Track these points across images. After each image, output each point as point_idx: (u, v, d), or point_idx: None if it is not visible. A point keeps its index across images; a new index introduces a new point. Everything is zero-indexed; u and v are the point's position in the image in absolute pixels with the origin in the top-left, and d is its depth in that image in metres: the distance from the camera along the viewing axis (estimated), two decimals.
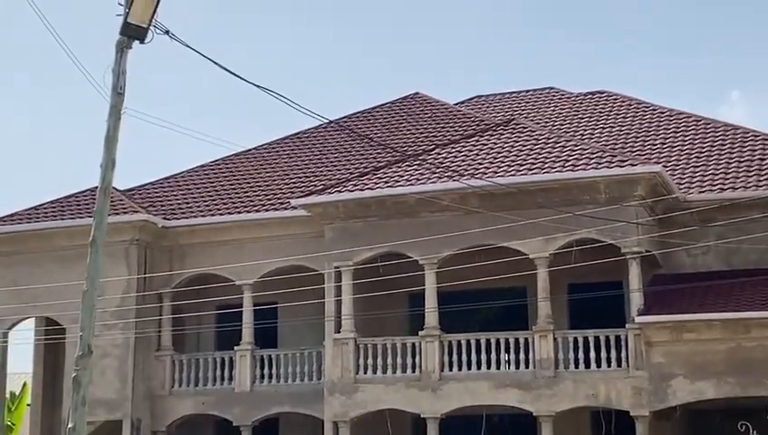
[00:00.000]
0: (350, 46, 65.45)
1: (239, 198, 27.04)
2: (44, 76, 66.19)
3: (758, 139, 25.83)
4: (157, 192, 28.18)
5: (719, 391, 20.91)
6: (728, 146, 25.80)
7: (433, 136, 27.87)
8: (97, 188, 13.33)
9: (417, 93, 31.24)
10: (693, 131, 27.12)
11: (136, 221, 25.41)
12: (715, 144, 26.05)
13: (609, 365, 21.77)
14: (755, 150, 25.25)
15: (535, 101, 31.68)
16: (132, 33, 12.95)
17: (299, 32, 65.65)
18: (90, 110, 60.98)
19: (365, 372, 23.43)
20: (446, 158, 24.26)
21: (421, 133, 28.47)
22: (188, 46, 13.06)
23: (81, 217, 25.05)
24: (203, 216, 26.37)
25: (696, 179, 24.45)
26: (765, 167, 24.28)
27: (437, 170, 23.29)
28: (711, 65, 62.62)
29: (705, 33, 63.33)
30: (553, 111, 30.67)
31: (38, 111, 67.63)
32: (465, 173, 22.54)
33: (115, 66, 13.09)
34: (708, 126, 27.29)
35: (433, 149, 25.21)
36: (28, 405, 31.52)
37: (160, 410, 25.58)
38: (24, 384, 34.44)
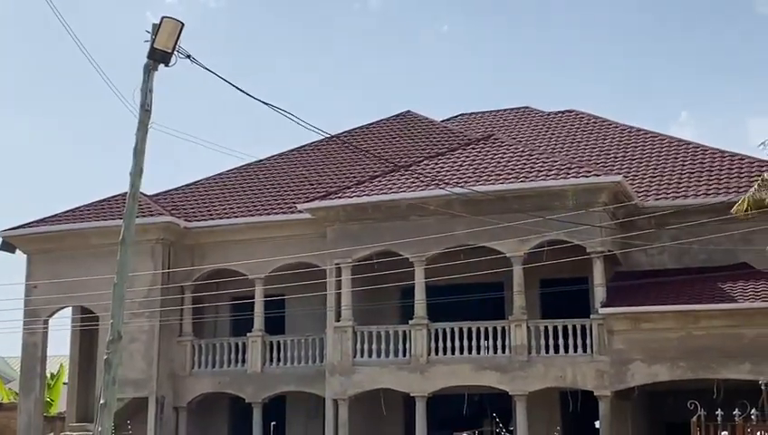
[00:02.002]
0: (349, 70, 65.50)
1: (252, 202, 26.99)
2: (81, 95, 66.11)
3: (707, 152, 25.83)
4: (180, 197, 28.12)
5: (672, 373, 20.89)
6: (681, 159, 25.79)
7: (422, 149, 27.82)
8: (127, 193, 13.34)
9: (408, 111, 31.19)
10: (650, 146, 27.10)
11: (161, 223, 25.36)
12: (669, 157, 26.03)
13: (575, 351, 21.74)
14: (704, 163, 25.25)
15: (512, 119, 31.63)
16: (158, 57, 12.98)
17: (304, 59, 65.64)
18: (121, 124, 60.97)
19: (362, 356, 23.39)
20: (433, 168, 24.23)
21: (412, 146, 28.42)
22: (207, 69, 13.06)
23: (113, 219, 24.96)
24: (220, 218, 26.32)
25: (652, 188, 24.43)
26: (713, 177, 24.29)
27: (426, 179, 23.27)
28: (663, 89, 62.74)
29: (659, 60, 63.44)
30: (528, 127, 30.62)
31: (76, 126, 67.55)
32: (450, 182, 22.52)
33: (143, 86, 13.11)
34: (664, 141, 27.28)
35: (422, 161, 25.17)
36: (64, 384, 31.43)
37: (182, 389, 25.52)
38: (61, 366, 34.37)
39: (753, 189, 19.90)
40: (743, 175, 23.92)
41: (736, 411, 14.36)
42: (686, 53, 63.29)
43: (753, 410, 14.24)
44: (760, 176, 20.95)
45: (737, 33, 61.14)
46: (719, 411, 14.33)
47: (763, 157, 23.52)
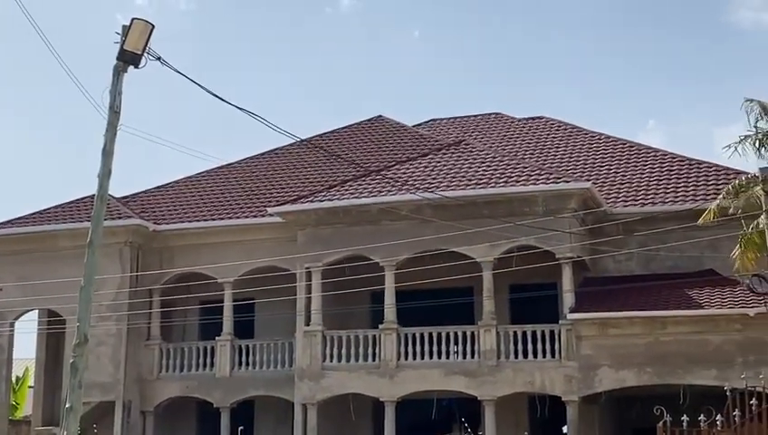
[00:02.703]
0: (320, 73, 65.45)
1: (222, 205, 26.89)
2: (51, 95, 65.56)
3: (674, 160, 26.06)
4: (149, 199, 27.96)
5: (639, 379, 21.05)
6: (649, 166, 25.99)
7: (393, 154, 27.86)
8: (95, 195, 13.25)
9: (380, 116, 31.23)
10: (619, 153, 27.29)
11: (129, 225, 25.21)
12: (638, 164, 26.23)
13: (544, 356, 21.84)
14: (672, 170, 25.47)
15: (483, 125, 31.73)
16: (128, 58, 12.93)
17: (275, 63, 65.53)
18: (92, 126, 60.52)
19: (331, 361, 23.35)
20: (404, 173, 24.27)
21: (383, 151, 28.45)
22: (177, 71, 13.01)
23: (80, 221, 24.75)
24: (189, 221, 26.18)
25: (621, 195, 24.62)
26: (681, 185, 24.52)
27: (397, 184, 23.30)
28: (631, 96, 63.27)
29: (627, 68, 63.94)
30: (499, 133, 30.73)
31: (45, 127, 66.94)
32: (421, 187, 22.56)
33: (112, 88, 13.04)
34: (632, 148, 27.48)
35: (393, 166, 25.21)
36: (30, 387, 31.11)
37: (149, 393, 25.35)
38: (27, 369, 34.03)
39: (718, 199, 20.16)
40: (709, 183, 24.17)
41: (702, 417, 14.51)
42: (655, 62, 63.90)
43: (718, 416, 14.39)
44: (726, 184, 21.23)
45: (706, 42, 61.84)
46: (685, 417, 14.46)
47: (730, 165, 23.82)
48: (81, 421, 12.82)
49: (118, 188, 26.89)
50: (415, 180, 23.48)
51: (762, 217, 16.91)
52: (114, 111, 13.00)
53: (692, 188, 24.18)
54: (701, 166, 25.34)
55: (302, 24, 64.47)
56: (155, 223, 26.00)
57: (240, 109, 13.77)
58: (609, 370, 21.23)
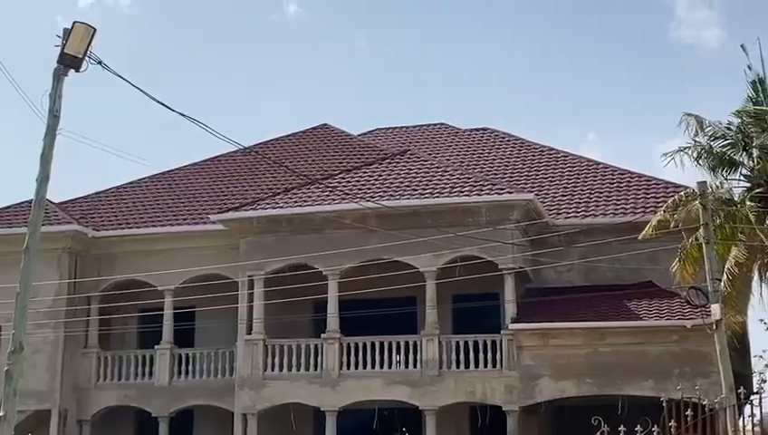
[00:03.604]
0: (266, 81, 65.22)
1: (163, 212, 26.66)
2: None
3: (615, 173, 26.49)
4: (88, 205, 27.60)
5: (579, 389, 21.32)
6: (590, 178, 26.38)
7: (338, 162, 27.87)
8: (32, 200, 13.05)
9: (324, 124, 31.21)
10: (561, 165, 27.66)
11: (68, 231, 24.90)
12: (580, 177, 26.61)
13: (485, 366, 22.01)
14: (613, 183, 25.89)
15: (428, 135, 31.92)
16: (68, 62, 12.75)
17: (220, 69, 65.13)
18: (28, 129, 59.36)
19: (272, 370, 23.27)
20: (348, 182, 24.31)
21: (327, 160, 28.45)
22: (118, 75, 12.84)
23: (17, 226, 24.34)
24: (129, 227, 25.96)
25: (563, 206, 24.94)
26: (621, 197, 24.93)
27: (341, 193, 23.31)
28: (573, 110, 64.14)
29: (570, 83, 64.81)
30: (444, 143, 30.94)
31: None
32: (365, 196, 22.62)
33: (52, 91, 12.86)
34: (574, 161, 27.87)
35: (338, 174, 25.23)
36: None
37: (86, 402, 25.01)
38: None
39: (659, 214, 20.54)
40: (649, 196, 24.62)
41: (639, 428, 14.71)
42: (597, 76, 64.91)
43: (654, 427, 14.61)
44: (666, 197, 21.65)
45: (648, 58, 63.01)
46: (622, 428, 14.65)
47: (670, 179, 24.30)
48: (16, 431, 12.59)
49: (56, 194, 26.48)
50: (359, 189, 23.52)
51: (700, 230, 17.27)
52: (54, 115, 12.82)
53: (632, 200, 24.60)
54: (641, 179, 25.80)
55: (247, 31, 64.27)
56: (94, 229, 25.70)
57: (182, 115, 13.66)
58: (549, 380, 21.47)
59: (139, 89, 13.07)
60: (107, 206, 27.55)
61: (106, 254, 25.56)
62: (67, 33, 12.70)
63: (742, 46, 20.74)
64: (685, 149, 21.07)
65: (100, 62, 12.78)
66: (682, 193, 20.51)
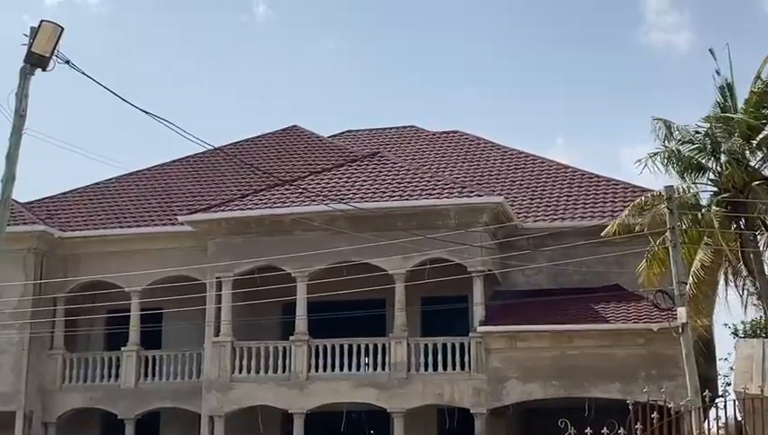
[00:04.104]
0: (236, 82, 64.98)
1: (131, 213, 26.48)
2: None
3: (584, 177, 26.67)
4: (55, 205, 27.35)
5: (546, 392, 21.43)
6: (559, 182, 26.55)
7: (308, 164, 27.82)
8: None
9: (294, 126, 31.14)
10: (530, 168, 27.80)
11: (33, 231, 24.65)
12: (549, 180, 26.76)
13: (453, 368, 22.06)
14: (581, 187, 26.06)
15: (398, 137, 31.97)
16: (35, 61, 12.67)
17: (189, 70, 64.81)
18: None
19: (240, 372, 23.18)
20: (318, 184, 24.28)
21: (297, 161, 28.38)
22: (86, 75, 12.79)
23: None
24: (96, 228, 25.76)
25: (531, 210, 25.07)
26: (589, 201, 25.11)
27: (311, 195, 23.29)
28: (542, 114, 64.48)
29: (539, 86, 65.18)
30: (414, 146, 31.00)
31: None
32: (335, 198, 22.60)
33: (18, 90, 12.76)
34: (544, 164, 28.03)
35: (307, 176, 25.18)
36: None
37: (51, 404, 24.77)
38: None
39: (622, 215, 20.73)
40: (617, 200, 24.80)
41: (605, 430, 14.82)
42: (565, 79, 65.30)
43: (620, 429, 14.73)
44: (633, 201, 21.84)
45: (617, 63, 63.40)
46: (589, 430, 14.75)
47: (638, 183, 24.50)
48: None
49: (22, 194, 26.31)
50: (329, 191, 23.50)
51: (667, 234, 17.43)
52: (20, 115, 12.73)
53: (600, 204, 24.79)
54: (609, 183, 26.00)
55: (216, 32, 64.02)
56: (60, 229, 25.47)
57: (150, 115, 13.61)
58: (516, 382, 21.57)
59: (106, 88, 13.04)
60: (74, 206, 27.31)
61: (72, 254, 25.34)
62: (34, 32, 12.61)
63: (710, 51, 20.90)
64: (655, 154, 21.31)
65: (67, 62, 12.71)
66: (648, 195, 20.69)
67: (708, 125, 21.29)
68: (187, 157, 29.53)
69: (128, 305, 24.56)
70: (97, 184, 28.65)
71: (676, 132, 21.55)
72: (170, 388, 24.18)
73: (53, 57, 12.66)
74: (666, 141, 21.46)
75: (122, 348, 24.64)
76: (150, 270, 24.07)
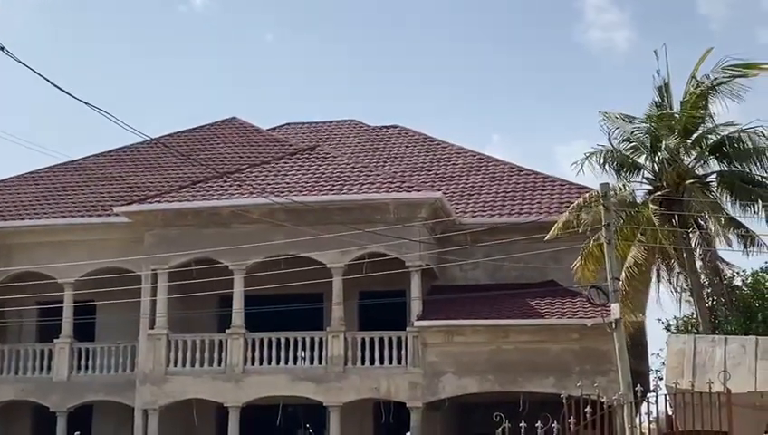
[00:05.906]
0: (172, 73, 64.09)
1: (65, 203, 25.95)
2: None
3: (521, 173, 26.88)
4: None
5: (481, 386, 21.55)
6: (497, 178, 26.71)
7: (246, 156, 27.55)
8: None
9: (233, 118, 30.82)
10: (468, 164, 27.93)
11: None
12: (486, 176, 26.91)
13: (390, 362, 22.07)
14: (518, 183, 26.26)
15: (338, 131, 31.88)
16: None
17: (127, 60, 63.76)
18: None
19: (175, 365, 22.90)
20: (257, 176, 24.07)
21: (236, 153, 28.09)
22: (21, 62, 12.41)
23: None
24: (29, 218, 25.21)
25: (469, 205, 25.18)
26: (526, 197, 25.29)
27: (249, 187, 23.07)
28: (478, 111, 64.89)
29: (475, 84, 65.54)
30: (353, 140, 30.93)
31: None
32: (274, 191, 22.43)
33: None
34: (482, 160, 28.18)
35: (246, 169, 24.95)
36: None
37: None
38: None
39: (564, 215, 20.94)
40: (554, 196, 25.04)
41: (539, 424, 14.94)
42: (500, 77, 65.75)
43: (554, 423, 14.86)
44: (570, 198, 22.08)
45: (553, 61, 64.04)
46: (523, 424, 14.86)
47: (574, 180, 24.75)
48: None
49: None
50: (267, 184, 23.32)
51: (602, 230, 17.62)
52: None
53: (537, 201, 24.99)
54: (546, 180, 26.23)
55: (154, 22, 63.11)
56: None
57: (86, 104, 13.29)
58: (452, 377, 21.65)
59: (42, 76, 12.68)
60: (6, 195, 26.70)
61: (4, 245, 24.79)
62: None
63: (655, 52, 21.22)
64: (591, 155, 21.62)
65: (2, 48, 12.34)
66: (587, 195, 20.95)
67: (647, 125, 21.64)
68: (124, 147, 29.04)
69: (61, 297, 24.09)
70: (30, 173, 28.04)
71: (615, 131, 21.90)
72: (104, 381, 23.79)
73: None
74: (612, 136, 21.80)
75: (55, 340, 24.17)
76: (84, 261, 23.64)
